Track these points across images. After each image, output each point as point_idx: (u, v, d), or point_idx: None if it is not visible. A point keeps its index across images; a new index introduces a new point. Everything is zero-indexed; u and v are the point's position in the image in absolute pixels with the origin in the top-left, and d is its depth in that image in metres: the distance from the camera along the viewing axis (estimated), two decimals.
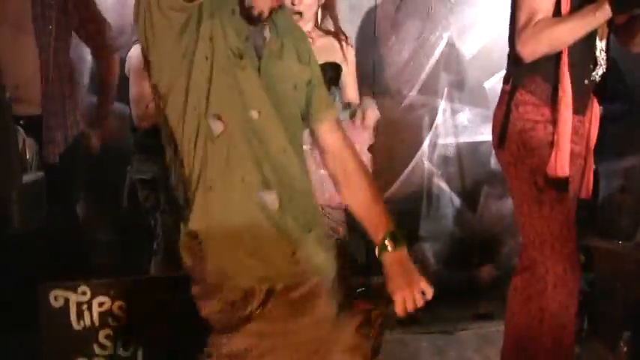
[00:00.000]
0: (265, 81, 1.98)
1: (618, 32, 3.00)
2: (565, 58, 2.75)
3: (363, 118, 3.27)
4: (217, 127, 1.93)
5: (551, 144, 2.81)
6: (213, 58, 1.91)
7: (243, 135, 1.94)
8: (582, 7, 2.70)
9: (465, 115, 4.96)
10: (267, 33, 2.05)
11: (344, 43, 3.35)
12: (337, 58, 3.32)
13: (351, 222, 3.57)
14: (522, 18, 2.74)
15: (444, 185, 4.98)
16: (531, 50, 2.71)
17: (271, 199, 1.95)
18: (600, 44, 2.90)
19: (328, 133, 2.17)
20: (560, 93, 2.75)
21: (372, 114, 3.32)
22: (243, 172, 1.94)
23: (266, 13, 1.99)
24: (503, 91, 2.92)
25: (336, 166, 2.16)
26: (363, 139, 3.30)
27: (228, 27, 1.94)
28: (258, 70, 1.98)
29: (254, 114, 1.95)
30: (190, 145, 1.95)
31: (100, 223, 4.46)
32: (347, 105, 3.39)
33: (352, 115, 3.30)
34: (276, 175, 1.97)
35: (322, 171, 3.07)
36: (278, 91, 2.00)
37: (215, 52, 1.92)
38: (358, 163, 2.17)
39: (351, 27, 4.55)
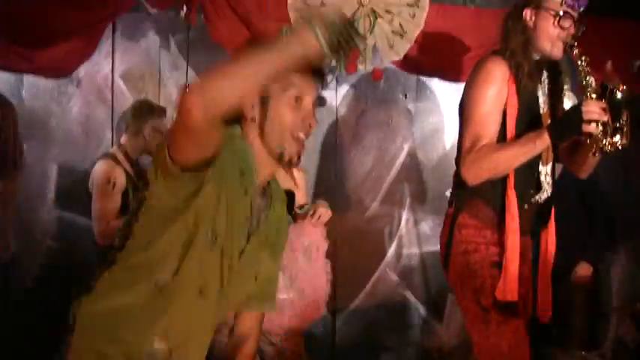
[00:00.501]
0: (239, 263, 2.00)
1: (563, 158, 3.06)
2: (511, 184, 2.78)
3: (315, 215, 3.45)
4: (166, 277, 1.92)
5: (494, 265, 2.80)
6: (193, 233, 1.90)
7: (186, 293, 1.94)
8: (525, 134, 2.73)
9: (427, 225, 4.98)
10: (261, 221, 2.06)
11: (294, 170, 3.40)
12: (290, 185, 3.40)
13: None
14: (467, 142, 2.78)
15: (409, 295, 4.96)
16: (474, 175, 2.74)
17: (163, 348, 1.95)
18: (545, 169, 2.93)
19: (249, 323, 2.22)
20: (508, 219, 2.76)
21: (324, 212, 3.50)
22: (165, 327, 1.94)
23: (295, 160, 2.00)
24: (447, 213, 2.94)
25: (234, 348, 2.22)
26: (316, 236, 3.50)
27: (233, 208, 1.95)
28: (241, 252, 2.01)
29: (202, 288, 1.96)
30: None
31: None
32: (301, 206, 3.54)
33: (306, 212, 3.49)
34: (182, 340, 1.98)
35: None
36: (241, 274, 2.02)
37: (199, 231, 1.90)
38: (251, 355, 2.24)
39: (312, 139, 4.62)
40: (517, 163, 2.73)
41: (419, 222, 5.00)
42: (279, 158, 1.99)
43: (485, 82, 2.79)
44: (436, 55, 4.35)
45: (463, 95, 2.89)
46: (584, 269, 4.32)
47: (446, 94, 4.91)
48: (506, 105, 2.79)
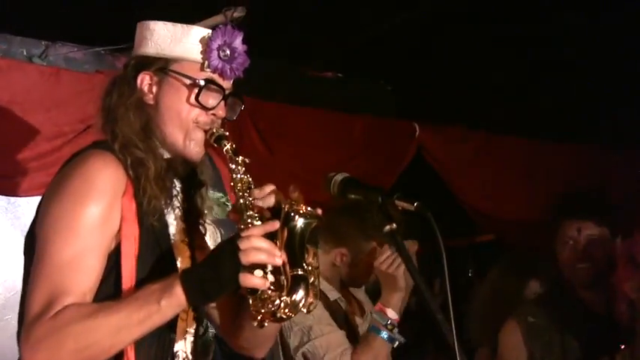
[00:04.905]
0: None
1: (221, 328, 2.43)
2: None
3: None
4: None
5: None
6: None
7: None
8: (149, 285, 2.06)
9: None
10: None
11: None
12: None
13: None
14: (36, 303, 2.07)
15: None
16: (47, 358, 2.06)
17: None
18: (183, 348, 2.27)
19: None
20: None
21: None
22: None
23: None
24: None
25: None
26: None
27: None
28: None
29: None
30: None
31: None
32: None
33: None
34: None
35: None
36: None
37: None
38: None
39: None
40: (127, 339, 2.07)
41: None
42: None
43: (81, 196, 2.11)
44: None
45: (37, 219, 2.19)
46: None
47: None
48: (120, 234, 2.13)
